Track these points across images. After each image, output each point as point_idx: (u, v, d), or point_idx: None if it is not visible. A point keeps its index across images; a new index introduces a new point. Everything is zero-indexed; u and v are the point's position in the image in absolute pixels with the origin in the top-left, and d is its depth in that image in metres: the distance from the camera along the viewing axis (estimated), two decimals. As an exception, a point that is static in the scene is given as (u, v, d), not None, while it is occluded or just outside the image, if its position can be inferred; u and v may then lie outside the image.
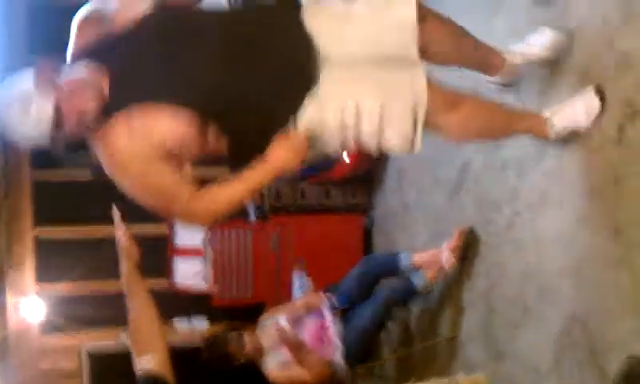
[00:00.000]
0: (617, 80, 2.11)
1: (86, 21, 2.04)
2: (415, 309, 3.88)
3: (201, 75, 1.90)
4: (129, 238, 2.05)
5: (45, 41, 4.88)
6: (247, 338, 3.49)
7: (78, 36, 2.03)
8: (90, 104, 1.83)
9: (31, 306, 5.03)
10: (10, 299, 4.75)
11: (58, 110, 1.80)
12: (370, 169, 4.74)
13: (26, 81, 1.87)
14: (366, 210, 5.00)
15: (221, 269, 4.91)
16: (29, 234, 5.12)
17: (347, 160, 4.38)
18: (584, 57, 2.27)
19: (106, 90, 1.85)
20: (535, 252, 2.61)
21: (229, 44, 1.92)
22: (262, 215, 5.02)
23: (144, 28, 1.92)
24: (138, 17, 1.93)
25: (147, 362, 1.80)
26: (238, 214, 5.10)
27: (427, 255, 3.38)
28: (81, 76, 1.87)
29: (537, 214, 2.59)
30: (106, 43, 1.94)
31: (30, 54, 5.00)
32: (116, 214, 2.08)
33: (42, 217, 5.15)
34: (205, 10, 2.03)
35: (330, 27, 1.96)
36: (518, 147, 2.70)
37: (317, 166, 4.67)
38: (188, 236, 5.14)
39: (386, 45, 1.97)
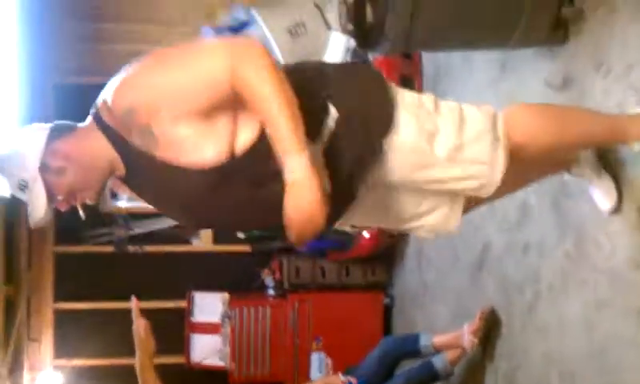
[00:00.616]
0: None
1: None
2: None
3: None
4: (146, 331, 2.06)
5: (69, 118, 5.05)
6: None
7: None
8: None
9: (48, 379, 5.01)
10: (27, 373, 4.73)
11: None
12: (390, 247, 4.73)
13: None
14: (385, 288, 4.98)
15: (238, 346, 4.87)
16: (49, 307, 5.15)
17: (367, 236, 4.38)
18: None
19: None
20: (558, 334, 2.56)
21: None
22: (281, 292, 5.01)
23: None
24: None
25: None
26: (256, 289, 5.12)
27: (448, 337, 3.34)
28: None
29: (559, 296, 2.56)
30: None
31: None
32: (135, 304, 2.10)
33: (62, 291, 5.19)
34: None
35: None
36: (538, 229, 2.70)
37: (337, 244, 4.69)
38: (206, 312, 5.14)
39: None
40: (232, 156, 1.58)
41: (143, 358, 2.02)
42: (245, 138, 1.60)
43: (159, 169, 1.61)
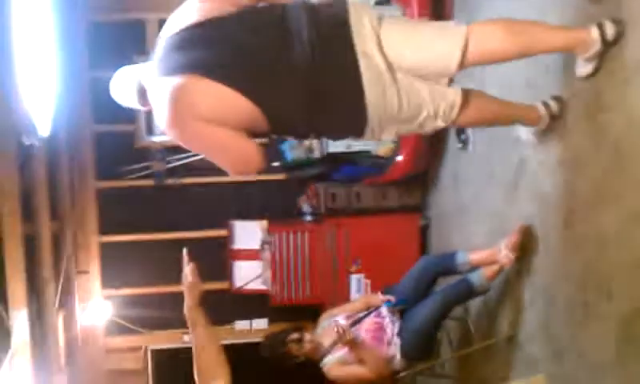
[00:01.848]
0: None
1: None
2: (474, 308, 3.87)
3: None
4: (195, 275, 2.12)
5: (103, 57, 5.09)
6: (307, 336, 3.55)
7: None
8: None
9: (97, 309, 5.23)
10: (78, 304, 4.94)
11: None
12: (425, 169, 4.75)
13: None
14: (421, 209, 5.02)
15: (279, 270, 5.00)
16: (94, 241, 5.32)
17: (401, 159, 4.40)
18: None
19: None
20: (594, 248, 2.58)
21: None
22: (319, 217, 5.09)
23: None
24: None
25: None
26: (294, 215, 5.21)
27: (485, 254, 3.36)
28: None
29: (594, 210, 2.57)
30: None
31: (90, 69, 5.21)
32: (185, 253, 2.17)
33: (107, 225, 5.35)
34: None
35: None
36: (574, 144, 2.69)
37: (372, 169, 4.72)
38: (246, 239, 5.26)
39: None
40: None
41: (193, 301, 2.09)
42: None
43: None
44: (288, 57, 2.23)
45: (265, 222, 5.16)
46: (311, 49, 2.23)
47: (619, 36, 2.35)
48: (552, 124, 2.80)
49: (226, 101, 2.21)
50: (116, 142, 5.29)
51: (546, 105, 2.77)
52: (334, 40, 2.27)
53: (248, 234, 5.26)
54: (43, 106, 4.11)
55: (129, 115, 5.28)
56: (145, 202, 5.39)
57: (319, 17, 2.30)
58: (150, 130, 5.42)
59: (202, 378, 1.95)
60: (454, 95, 2.42)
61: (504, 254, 3.19)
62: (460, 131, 3.99)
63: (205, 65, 2.22)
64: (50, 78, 4.39)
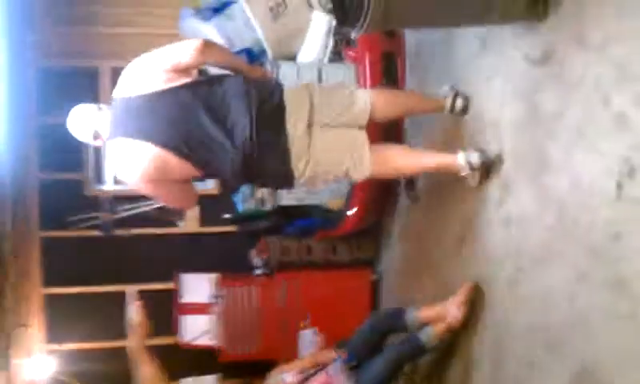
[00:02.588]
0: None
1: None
2: (423, 365, 3.85)
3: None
4: (140, 313, 2.10)
5: (53, 103, 5.02)
6: (254, 394, 3.47)
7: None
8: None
9: (39, 365, 5.02)
10: (15, 360, 4.74)
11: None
12: (376, 222, 4.77)
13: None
14: (373, 264, 5.02)
15: (228, 325, 4.91)
16: (37, 293, 5.15)
17: (352, 213, 4.40)
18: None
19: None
20: (540, 306, 2.61)
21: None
22: (269, 271, 5.04)
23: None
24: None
25: None
26: (245, 269, 5.15)
27: (433, 311, 3.36)
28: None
29: (540, 269, 2.60)
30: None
31: (38, 115, 5.13)
32: (131, 292, 2.16)
33: (50, 276, 5.19)
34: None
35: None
36: (519, 203, 2.74)
37: (323, 223, 4.72)
38: (195, 293, 5.17)
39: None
40: None
41: (138, 340, 2.06)
42: None
43: None
44: (229, 136, 2.75)
45: (215, 275, 5.08)
46: (249, 133, 2.75)
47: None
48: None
49: (174, 164, 2.76)
50: (63, 190, 5.17)
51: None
52: (269, 121, 2.79)
53: (197, 287, 5.16)
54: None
55: (77, 163, 5.20)
56: (92, 253, 5.26)
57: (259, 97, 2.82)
58: (99, 179, 5.33)
59: None
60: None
61: (452, 311, 3.20)
62: (409, 187, 4.03)
63: (158, 135, 2.72)
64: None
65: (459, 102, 3.16)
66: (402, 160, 3.06)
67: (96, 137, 2.94)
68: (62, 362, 5.12)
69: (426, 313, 3.40)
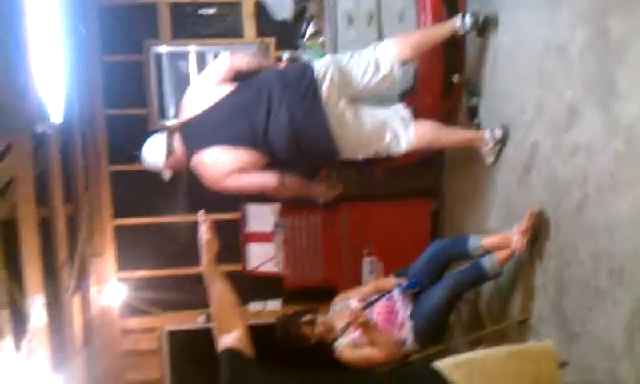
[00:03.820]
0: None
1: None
2: (485, 292, 3.88)
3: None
4: (211, 233, 2.19)
5: (115, 41, 5.10)
6: (319, 319, 3.57)
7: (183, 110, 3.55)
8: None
9: (112, 291, 5.29)
10: (93, 286, 4.99)
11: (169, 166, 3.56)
12: (437, 152, 4.73)
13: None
14: (434, 193, 5.00)
15: (292, 253, 5.02)
16: (109, 224, 5.37)
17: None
18: None
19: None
20: (607, 234, 2.57)
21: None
22: (331, 201, 5.09)
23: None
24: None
25: (228, 339, 1.95)
26: (307, 200, 5.22)
27: (497, 238, 3.36)
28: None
29: (607, 196, 2.55)
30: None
31: (102, 53, 5.22)
32: (201, 212, 2.25)
33: (121, 208, 5.39)
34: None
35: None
36: (586, 130, 2.67)
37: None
38: (259, 222, 5.29)
39: None
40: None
41: (209, 257, 2.16)
42: None
43: None
44: (276, 120, 3.33)
45: (278, 205, 5.17)
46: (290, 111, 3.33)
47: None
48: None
49: (245, 157, 3.36)
50: (129, 125, 5.31)
51: None
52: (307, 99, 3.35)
53: (261, 216, 5.29)
54: (56, 93, 4.13)
55: (141, 99, 5.31)
56: (158, 185, 5.39)
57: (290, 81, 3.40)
58: (163, 114, 5.44)
59: (220, 328, 2.04)
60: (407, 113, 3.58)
61: (516, 238, 3.19)
62: (473, 115, 3.96)
63: (228, 137, 3.34)
64: (62, 64, 4.40)
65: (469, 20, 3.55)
66: (435, 136, 3.59)
67: (169, 159, 3.51)
68: (134, 289, 5.39)
69: (489, 240, 3.40)
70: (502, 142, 3.55)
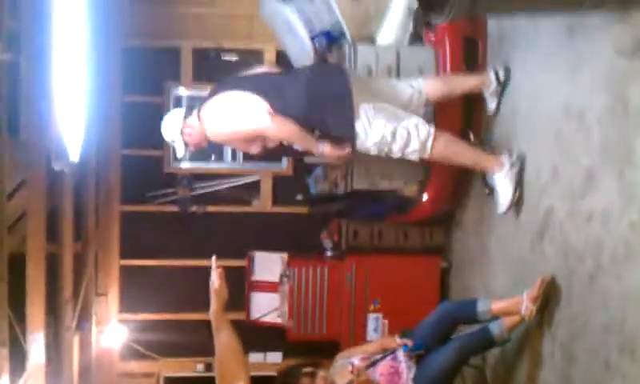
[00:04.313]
0: None
1: None
2: (492, 357, 3.80)
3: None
4: (222, 281, 2.17)
5: (137, 82, 5.18)
6: (320, 373, 3.51)
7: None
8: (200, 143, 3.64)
9: (113, 332, 5.24)
10: (94, 326, 4.95)
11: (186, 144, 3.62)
12: (449, 212, 4.71)
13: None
14: (443, 252, 4.97)
15: (297, 304, 4.97)
16: (115, 264, 5.35)
17: (426, 199, 4.37)
18: None
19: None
20: (620, 306, 2.52)
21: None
22: (339, 254, 5.07)
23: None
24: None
25: None
26: (315, 250, 5.19)
27: (506, 303, 3.31)
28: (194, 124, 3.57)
29: (622, 267, 2.51)
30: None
31: (123, 94, 5.29)
32: (214, 259, 2.23)
33: (128, 248, 5.38)
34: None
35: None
36: (602, 197, 2.65)
37: (396, 208, 4.69)
38: (265, 271, 5.26)
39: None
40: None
41: (218, 305, 2.13)
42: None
43: None
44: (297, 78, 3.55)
45: (285, 255, 5.15)
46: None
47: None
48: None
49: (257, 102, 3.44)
50: (144, 166, 5.34)
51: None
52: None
53: (268, 265, 5.26)
54: (75, 131, 4.18)
55: (157, 141, 5.35)
56: (168, 228, 5.43)
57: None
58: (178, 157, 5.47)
59: (223, 379, 1.98)
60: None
61: (526, 305, 3.13)
62: (486, 179, 3.95)
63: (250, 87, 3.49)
64: (83, 103, 4.46)
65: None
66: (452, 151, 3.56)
67: (186, 133, 3.58)
68: (135, 331, 5.33)
69: (498, 305, 3.34)
70: (504, 84, 3.64)
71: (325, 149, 3.47)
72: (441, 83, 3.75)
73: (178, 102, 5.43)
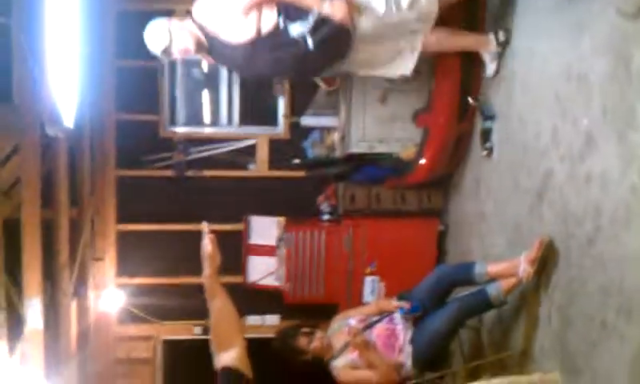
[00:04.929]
0: None
1: None
2: (488, 319, 3.82)
3: None
4: (214, 246, 2.15)
5: (130, 46, 5.10)
6: (318, 333, 3.54)
7: None
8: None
9: (111, 297, 5.25)
10: (92, 291, 4.96)
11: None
12: (447, 174, 4.70)
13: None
14: (440, 215, 4.97)
15: (294, 268, 4.98)
16: (112, 229, 5.34)
17: (424, 162, 4.35)
18: None
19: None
20: (617, 269, 2.52)
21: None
22: (336, 217, 5.07)
23: None
24: None
25: (227, 357, 1.90)
26: (311, 214, 5.18)
27: (503, 266, 3.32)
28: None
29: (620, 230, 2.51)
30: None
31: (116, 58, 5.22)
32: (205, 224, 2.20)
33: (125, 213, 5.36)
34: None
35: None
36: (602, 160, 2.63)
37: (394, 171, 4.68)
38: (262, 235, 5.25)
39: None
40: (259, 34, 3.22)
41: (211, 270, 2.12)
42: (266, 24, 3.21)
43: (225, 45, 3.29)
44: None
45: (282, 219, 5.15)
46: None
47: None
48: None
49: None
50: (139, 131, 5.30)
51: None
52: None
53: (264, 229, 5.25)
54: (69, 96, 4.12)
55: (153, 105, 5.30)
56: (164, 193, 5.40)
57: None
58: (174, 121, 5.43)
59: (219, 345, 1.98)
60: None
61: (523, 267, 3.13)
62: (485, 139, 3.93)
63: None
64: (76, 67, 4.40)
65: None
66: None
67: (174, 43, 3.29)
68: (132, 295, 5.35)
69: (495, 267, 3.35)
70: (504, 45, 3.64)
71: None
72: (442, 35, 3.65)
73: (172, 67, 5.36)
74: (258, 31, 3.24)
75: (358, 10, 3.30)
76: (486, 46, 3.71)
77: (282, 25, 3.24)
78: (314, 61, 3.38)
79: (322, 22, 3.23)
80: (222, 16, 3.22)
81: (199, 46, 3.35)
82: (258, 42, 3.27)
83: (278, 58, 3.34)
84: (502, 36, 3.62)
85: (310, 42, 3.23)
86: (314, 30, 3.22)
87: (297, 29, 3.23)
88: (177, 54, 3.35)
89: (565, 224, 2.97)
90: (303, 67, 3.46)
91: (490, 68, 3.76)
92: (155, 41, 3.32)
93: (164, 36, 3.28)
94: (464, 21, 3.84)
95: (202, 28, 3.30)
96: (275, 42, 3.28)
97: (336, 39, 3.30)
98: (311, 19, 3.20)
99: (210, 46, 3.36)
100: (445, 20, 3.56)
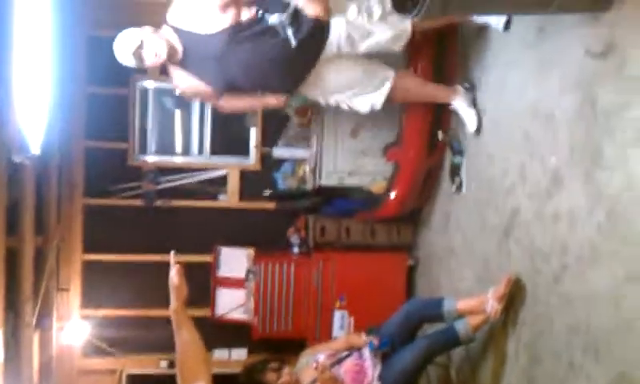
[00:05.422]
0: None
1: None
2: (457, 355, 3.82)
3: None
4: (181, 278, 2.13)
5: (101, 72, 5.06)
6: (286, 369, 3.49)
7: None
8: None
9: (75, 328, 5.13)
10: (56, 322, 4.85)
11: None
12: (417, 209, 4.72)
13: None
14: (410, 249, 4.98)
15: (262, 301, 4.93)
16: (78, 258, 5.24)
17: (394, 196, 4.36)
18: None
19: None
20: (583, 307, 2.54)
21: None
22: (306, 250, 5.05)
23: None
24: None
25: None
26: (281, 246, 5.16)
27: (472, 302, 3.33)
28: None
29: (586, 268, 2.53)
30: None
31: (87, 84, 5.18)
32: (173, 255, 2.17)
33: (91, 243, 5.27)
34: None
35: None
36: (569, 198, 2.67)
37: (364, 205, 4.69)
38: (231, 267, 5.21)
39: None
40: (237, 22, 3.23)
41: (178, 302, 2.09)
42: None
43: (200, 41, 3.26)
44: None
45: (251, 251, 5.11)
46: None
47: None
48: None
49: None
50: (108, 159, 5.24)
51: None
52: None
53: (234, 261, 5.21)
54: (36, 122, 4.07)
55: (123, 133, 5.25)
56: (132, 222, 5.34)
57: None
58: (144, 149, 5.38)
59: (184, 379, 1.95)
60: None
61: (491, 304, 3.15)
62: (454, 173, 3.97)
63: None
64: (45, 92, 4.35)
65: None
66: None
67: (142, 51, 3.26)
68: (97, 327, 5.24)
69: (463, 304, 3.36)
70: (473, 89, 3.70)
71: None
72: (414, 81, 3.76)
73: (144, 95, 5.33)
74: (236, 20, 3.24)
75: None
76: (455, 94, 3.73)
77: (259, 15, 3.26)
78: (295, 58, 3.33)
79: (299, 13, 3.25)
80: (198, 7, 3.24)
81: (171, 54, 3.32)
82: (236, 29, 3.25)
83: (256, 47, 3.28)
84: (467, 84, 3.70)
85: (290, 32, 3.23)
86: (292, 19, 3.22)
87: (275, 18, 3.24)
88: (148, 60, 3.28)
89: (532, 261, 3.00)
90: (284, 59, 3.34)
91: (470, 121, 3.72)
92: (126, 44, 3.27)
93: (135, 39, 3.25)
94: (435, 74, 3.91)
95: (176, 30, 3.30)
96: (254, 30, 3.27)
97: (314, 35, 3.29)
98: (289, 10, 3.22)
99: (185, 49, 3.33)
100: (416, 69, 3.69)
